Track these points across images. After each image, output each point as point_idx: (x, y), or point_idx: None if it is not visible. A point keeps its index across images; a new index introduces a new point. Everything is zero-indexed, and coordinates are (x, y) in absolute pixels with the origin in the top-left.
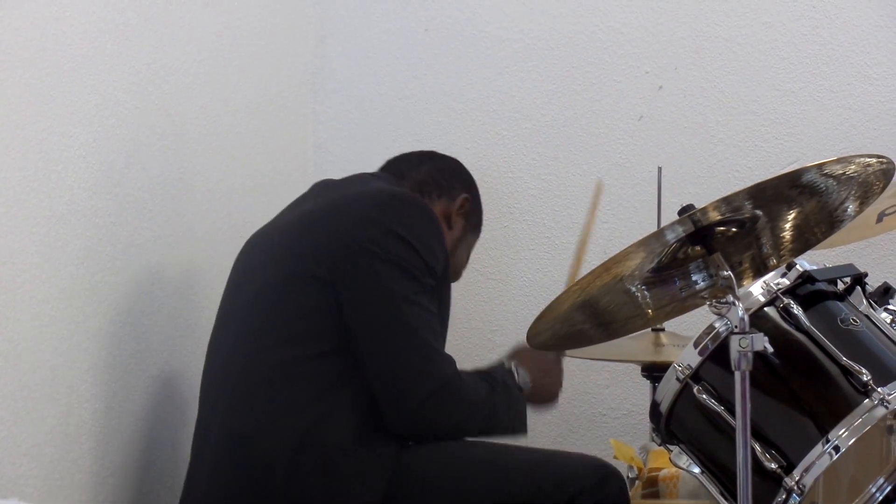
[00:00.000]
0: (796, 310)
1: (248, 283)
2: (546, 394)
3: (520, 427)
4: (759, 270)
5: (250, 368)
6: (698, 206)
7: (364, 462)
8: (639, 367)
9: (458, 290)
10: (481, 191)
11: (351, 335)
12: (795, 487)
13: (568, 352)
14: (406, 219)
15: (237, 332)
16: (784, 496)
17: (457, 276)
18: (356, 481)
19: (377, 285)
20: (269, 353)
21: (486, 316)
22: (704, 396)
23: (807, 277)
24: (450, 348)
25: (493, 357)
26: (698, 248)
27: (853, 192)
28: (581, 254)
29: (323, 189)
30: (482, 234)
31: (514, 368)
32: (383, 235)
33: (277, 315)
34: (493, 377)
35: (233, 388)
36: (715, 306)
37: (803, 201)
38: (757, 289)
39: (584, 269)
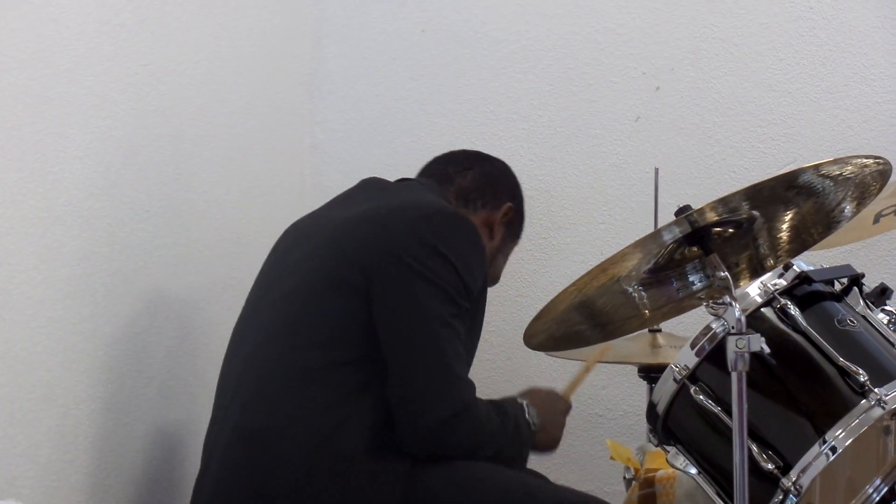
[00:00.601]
0: (793, 310)
1: (282, 279)
2: (550, 437)
3: (521, 460)
4: (756, 271)
5: (274, 368)
6: (695, 206)
7: (374, 476)
8: (636, 368)
9: None
10: None
11: (380, 345)
12: (792, 488)
13: (565, 353)
14: (450, 237)
15: (264, 327)
16: (781, 497)
17: (495, 280)
18: (369, 494)
19: (413, 301)
20: (295, 355)
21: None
22: (701, 397)
23: (804, 278)
24: None
25: (489, 358)
26: (695, 248)
27: (850, 192)
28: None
29: (370, 191)
30: None
31: (525, 406)
32: (425, 251)
33: (308, 317)
34: (506, 411)
35: (254, 385)
36: (712, 307)
37: (800, 202)
38: (754, 289)
39: (582, 270)
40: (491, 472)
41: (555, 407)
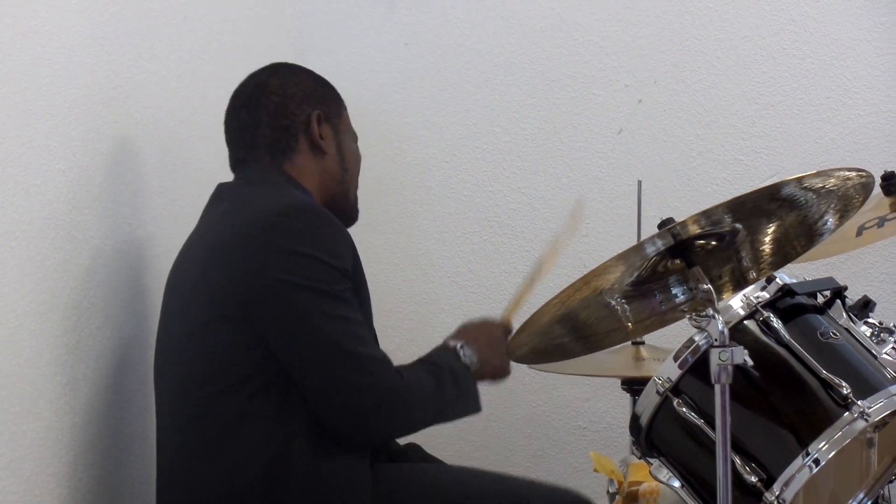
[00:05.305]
0: (776, 323)
1: (173, 326)
2: (493, 368)
3: (472, 407)
4: (739, 284)
5: (198, 422)
6: (678, 219)
7: (339, 475)
8: (619, 381)
9: (438, 303)
10: (462, 205)
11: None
12: (776, 501)
13: (548, 366)
14: (302, 232)
15: (175, 380)
16: None
17: (356, 162)
18: (341, 491)
19: (293, 314)
20: (212, 404)
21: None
22: (684, 409)
23: (786, 291)
24: None
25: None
26: (678, 261)
27: (833, 205)
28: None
29: (221, 208)
30: (460, 249)
31: (458, 348)
32: (286, 260)
33: (207, 365)
34: (438, 364)
35: (185, 440)
36: (695, 319)
37: (783, 215)
38: (737, 302)
39: (565, 283)
40: (457, 480)
41: (491, 336)
